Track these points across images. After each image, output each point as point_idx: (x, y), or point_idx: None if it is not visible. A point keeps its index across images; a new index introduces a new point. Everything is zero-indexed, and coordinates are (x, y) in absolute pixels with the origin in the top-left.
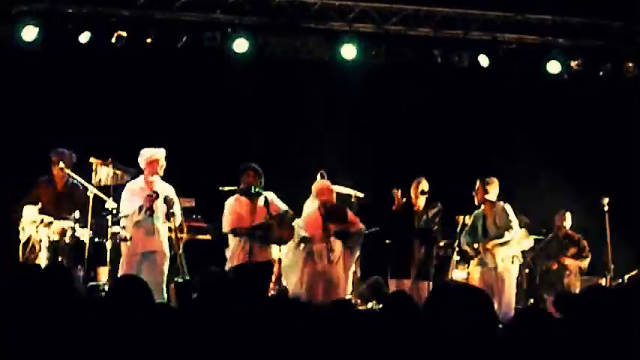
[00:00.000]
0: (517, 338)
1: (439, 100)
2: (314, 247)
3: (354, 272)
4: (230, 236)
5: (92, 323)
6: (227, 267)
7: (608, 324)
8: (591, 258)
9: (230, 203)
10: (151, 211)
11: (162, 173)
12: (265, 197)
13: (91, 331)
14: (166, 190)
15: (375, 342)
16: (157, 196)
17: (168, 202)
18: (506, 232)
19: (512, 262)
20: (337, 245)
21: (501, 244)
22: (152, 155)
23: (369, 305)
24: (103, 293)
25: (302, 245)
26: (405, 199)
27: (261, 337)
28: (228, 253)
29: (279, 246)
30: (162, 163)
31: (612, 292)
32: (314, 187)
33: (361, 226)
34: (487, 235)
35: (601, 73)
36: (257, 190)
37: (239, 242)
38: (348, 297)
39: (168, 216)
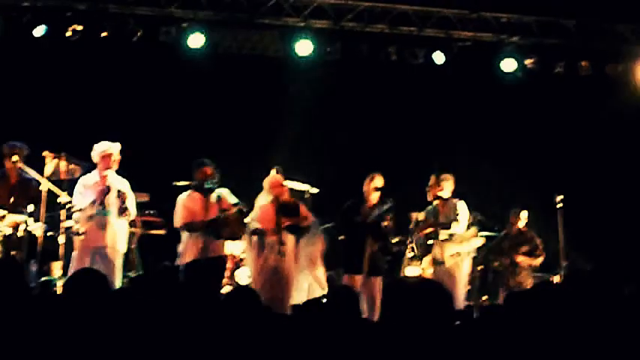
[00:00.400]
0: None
1: (394, 97)
2: (266, 240)
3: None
4: (182, 231)
5: (45, 319)
6: (179, 262)
7: (556, 319)
8: (544, 256)
9: (182, 198)
10: (103, 205)
11: (116, 167)
12: (218, 194)
13: (45, 327)
14: (120, 184)
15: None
16: (109, 190)
17: (121, 196)
18: (452, 225)
19: (462, 258)
20: (289, 239)
21: (447, 239)
22: (106, 150)
23: (324, 301)
24: (56, 288)
25: (255, 237)
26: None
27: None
28: (180, 248)
29: (232, 241)
30: (117, 157)
31: (561, 288)
32: (266, 182)
33: (312, 219)
34: None
35: (556, 71)
36: (210, 185)
37: (191, 238)
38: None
39: (122, 210)
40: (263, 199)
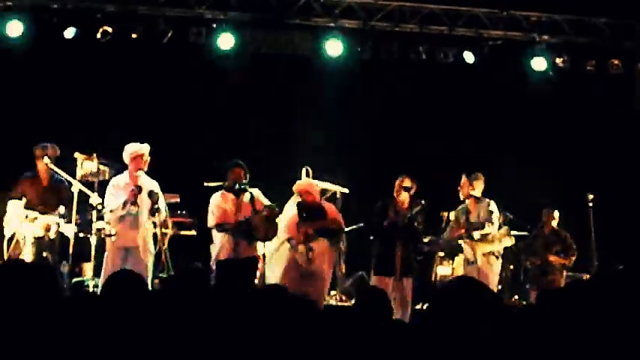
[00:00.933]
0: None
1: (424, 97)
2: (295, 248)
3: (339, 268)
4: (214, 232)
5: (78, 321)
6: (212, 263)
7: (589, 318)
8: (577, 256)
9: (216, 199)
10: (134, 205)
11: (146, 168)
12: (251, 193)
13: (78, 329)
14: (151, 185)
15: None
16: (141, 191)
17: (152, 197)
18: (486, 225)
19: (494, 258)
20: (319, 244)
21: (480, 239)
22: (136, 151)
23: (354, 302)
24: (88, 289)
25: (287, 245)
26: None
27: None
28: (213, 248)
29: (264, 243)
30: (147, 158)
31: (594, 287)
32: (295, 187)
33: (341, 222)
34: None
35: (586, 70)
36: (242, 186)
37: (224, 238)
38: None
39: (153, 211)
40: (292, 205)
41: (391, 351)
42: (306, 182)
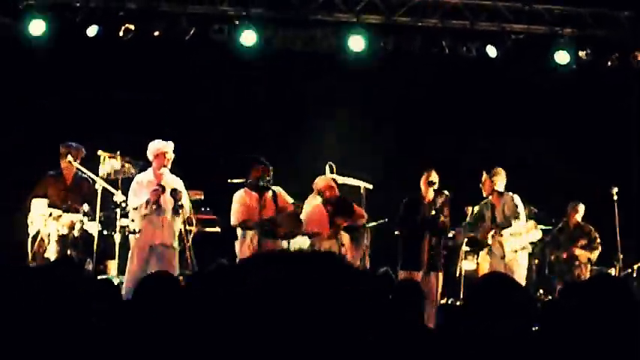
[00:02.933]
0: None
1: (447, 91)
2: (323, 243)
3: (364, 264)
4: (239, 229)
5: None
6: (238, 260)
7: (613, 312)
8: (602, 249)
9: (240, 196)
10: (157, 204)
11: (170, 166)
12: (274, 191)
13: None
14: (174, 182)
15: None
16: (164, 190)
17: (175, 195)
18: (513, 222)
19: (521, 252)
20: (346, 239)
21: (509, 233)
22: (160, 148)
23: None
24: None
25: (308, 240)
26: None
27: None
28: (237, 246)
29: (288, 240)
30: (171, 156)
31: (619, 281)
32: (315, 184)
33: (366, 217)
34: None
35: (609, 64)
36: (265, 183)
37: (247, 236)
38: None
39: (176, 209)
40: (313, 200)
41: (424, 346)
42: (326, 179)
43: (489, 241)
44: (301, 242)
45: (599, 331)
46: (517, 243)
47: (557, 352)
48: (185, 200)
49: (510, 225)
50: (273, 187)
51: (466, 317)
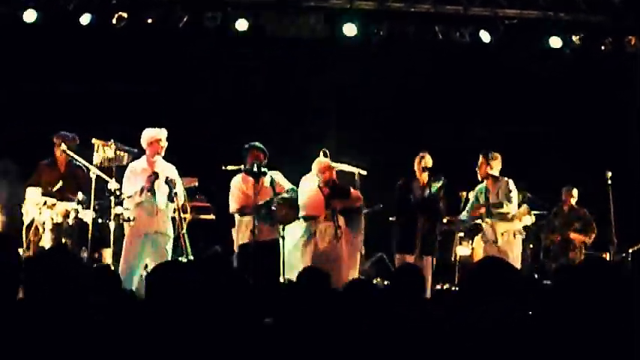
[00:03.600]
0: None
1: (440, 77)
2: (319, 226)
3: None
4: (237, 216)
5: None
6: (235, 247)
7: (604, 295)
8: (596, 233)
9: (237, 182)
10: (152, 192)
11: (163, 153)
12: (271, 177)
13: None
14: (168, 170)
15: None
16: (157, 177)
17: (169, 182)
18: (505, 204)
19: (515, 237)
20: (342, 222)
21: (500, 218)
22: (153, 136)
23: (374, 282)
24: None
25: (304, 224)
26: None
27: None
28: (235, 232)
29: (284, 225)
30: (164, 143)
31: (611, 265)
32: (314, 165)
33: (362, 199)
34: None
35: (602, 48)
36: (262, 169)
37: (245, 221)
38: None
39: (171, 197)
40: (308, 183)
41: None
42: (325, 160)
43: (480, 221)
44: (297, 226)
45: (591, 314)
46: (509, 227)
47: (550, 334)
48: (179, 188)
49: (502, 207)
50: (271, 173)
51: (462, 301)
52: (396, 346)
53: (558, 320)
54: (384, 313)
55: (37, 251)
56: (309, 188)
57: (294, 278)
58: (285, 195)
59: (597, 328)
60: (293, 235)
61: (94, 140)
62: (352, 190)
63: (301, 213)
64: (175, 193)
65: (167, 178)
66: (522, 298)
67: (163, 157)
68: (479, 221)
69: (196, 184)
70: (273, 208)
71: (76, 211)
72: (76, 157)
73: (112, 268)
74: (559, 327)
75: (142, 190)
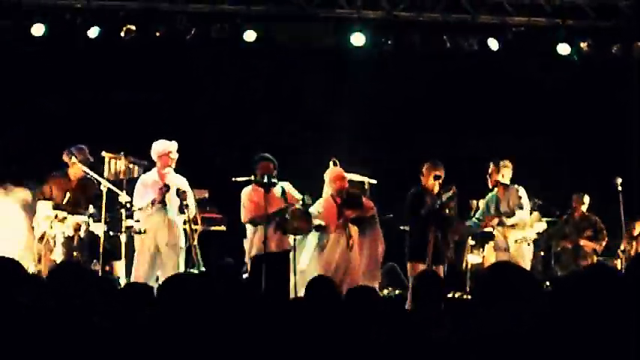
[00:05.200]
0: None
1: (450, 85)
2: (330, 235)
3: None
4: (248, 226)
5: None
6: (247, 258)
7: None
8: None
9: (247, 193)
10: (163, 204)
11: (174, 166)
12: (282, 187)
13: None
14: (179, 182)
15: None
16: (169, 189)
17: (180, 194)
18: (516, 212)
19: (525, 244)
20: (354, 231)
21: (512, 225)
22: (164, 148)
23: (385, 292)
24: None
25: (317, 234)
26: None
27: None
28: (246, 244)
29: (295, 236)
30: (174, 155)
31: (613, 271)
32: (327, 175)
33: (375, 209)
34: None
35: (611, 54)
36: (272, 180)
37: (257, 232)
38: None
39: (182, 209)
40: (324, 194)
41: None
42: (337, 169)
43: (492, 230)
44: (309, 236)
45: (594, 321)
46: (521, 235)
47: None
48: (190, 199)
49: (514, 214)
50: (281, 183)
51: (474, 307)
52: (403, 354)
53: (560, 326)
54: (388, 322)
55: (48, 264)
56: (322, 199)
57: None
58: (298, 206)
59: (599, 335)
60: (309, 249)
61: (104, 153)
62: (365, 200)
63: (316, 222)
64: (187, 205)
65: (178, 190)
66: (535, 302)
67: (174, 169)
68: (490, 229)
69: (207, 195)
70: (286, 217)
71: (87, 224)
72: (88, 170)
73: (124, 281)
74: (562, 333)
75: (152, 203)
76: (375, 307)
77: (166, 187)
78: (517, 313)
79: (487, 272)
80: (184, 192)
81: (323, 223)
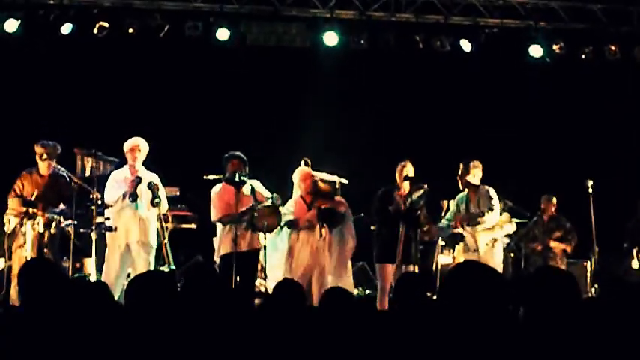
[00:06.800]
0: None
1: (422, 86)
2: (300, 233)
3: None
4: (218, 225)
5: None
6: (216, 256)
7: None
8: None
9: (216, 191)
10: (134, 196)
11: (141, 160)
12: (251, 185)
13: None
14: (151, 178)
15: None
16: (140, 181)
17: (152, 188)
18: (486, 213)
19: (496, 245)
20: (325, 232)
21: (480, 225)
22: (132, 144)
23: (355, 292)
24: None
25: (288, 230)
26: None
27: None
28: (216, 242)
29: (264, 234)
30: (142, 149)
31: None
32: (295, 175)
33: (346, 205)
34: None
35: (583, 57)
36: (242, 178)
37: (226, 231)
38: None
39: (153, 202)
40: (295, 193)
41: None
42: (304, 169)
43: (461, 231)
44: (283, 237)
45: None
46: (491, 236)
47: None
48: (162, 195)
49: (483, 215)
50: (250, 181)
51: (442, 305)
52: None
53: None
54: (361, 322)
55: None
56: (292, 199)
57: None
58: (267, 203)
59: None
60: (283, 249)
61: (75, 150)
62: (337, 198)
63: (284, 219)
64: (158, 199)
65: (150, 183)
66: (501, 297)
67: (146, 167)
68: (460, 230)
69: (178, 193)
70: (255, 215)
71: (58, 221)
72: (58, 166)
73: (95, 277)
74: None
75: (124, 196)
76: (348, 309)
77: (138, 179)
78: (485, 310)
79: (453, 270)
80: (156, 185)
81: (293, 217)
